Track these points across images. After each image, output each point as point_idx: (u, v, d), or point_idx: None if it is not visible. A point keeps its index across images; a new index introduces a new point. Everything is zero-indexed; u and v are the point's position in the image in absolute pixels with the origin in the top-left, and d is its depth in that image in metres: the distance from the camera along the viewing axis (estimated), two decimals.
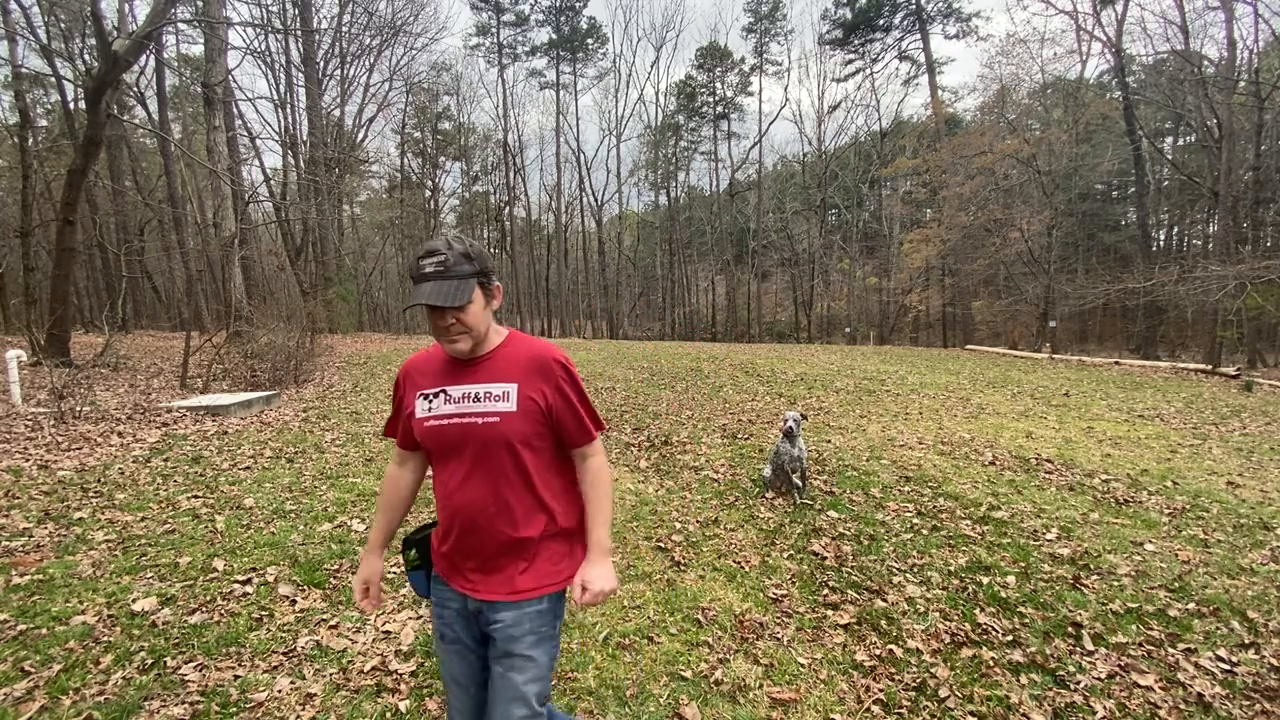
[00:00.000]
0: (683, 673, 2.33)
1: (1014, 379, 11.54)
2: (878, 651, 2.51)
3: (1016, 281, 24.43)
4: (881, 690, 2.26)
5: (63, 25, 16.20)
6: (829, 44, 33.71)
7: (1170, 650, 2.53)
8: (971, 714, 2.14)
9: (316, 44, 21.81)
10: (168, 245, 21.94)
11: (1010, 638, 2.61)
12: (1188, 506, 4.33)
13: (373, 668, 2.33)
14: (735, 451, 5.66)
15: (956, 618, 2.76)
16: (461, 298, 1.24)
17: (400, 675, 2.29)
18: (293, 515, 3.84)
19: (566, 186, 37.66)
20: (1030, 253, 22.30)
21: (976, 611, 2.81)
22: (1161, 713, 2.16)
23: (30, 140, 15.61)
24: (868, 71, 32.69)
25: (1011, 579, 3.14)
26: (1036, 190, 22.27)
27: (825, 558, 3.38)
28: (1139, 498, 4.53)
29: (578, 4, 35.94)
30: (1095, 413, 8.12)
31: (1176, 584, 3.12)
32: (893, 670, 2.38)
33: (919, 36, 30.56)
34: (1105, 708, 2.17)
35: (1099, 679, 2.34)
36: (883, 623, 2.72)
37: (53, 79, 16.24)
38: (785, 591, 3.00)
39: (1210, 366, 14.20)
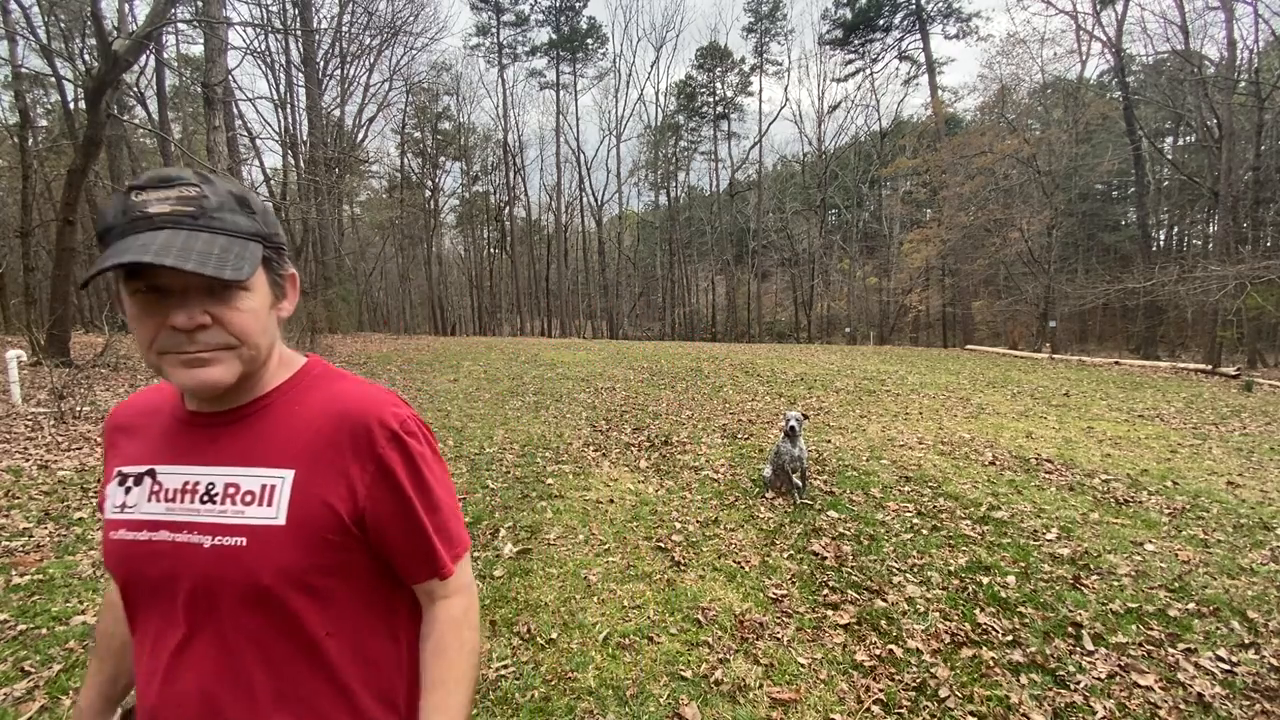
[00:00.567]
0: (683, 673, 2.33)
1: (1014, 379, 11.54)
2: (878, 651, 2.51)
3: (1016, 281, 24.42)
4: (881, 690, 2.26)
5: (63, 25, 16.20)
6: (829, 44, 33.73)
7: (1170, 650, 2.53)
8: (971, 714, 2.14)
9: (316, 44, 21.81)
10: None
11: (1010, 638, 2.61)
12: (1188, 506, 4.33)
13: None
14: (735, 451, 5.66)
15: (956, 618, 2.76)
16: (238, 268, 0.66)
17: None
18: None
19: (566, 186, 37.68)
20: (1030, 253, 22.30)
21: (976, 611, 2.81)
22: (1161, 713, 2.16)
23: (30, 140, 15.61)
24: (868, 71, 32.71)
25: (1011, 579, 3.14)
26: (1036, 190, 22.26)
27: (825, 558, 3.38)
28: (1139, 498, 4.53)
29: (578, 4, 35.94)
30: (1095, 413, 8.11)
31: (1176, 584, 3.12)
32: (893, 670, 2.38)
33: (919, 36, 30.58)
34: (1105, 708, 2.17)
35: (1099, 679, 2.34)
36: (883, 623, 2.71)
37: (53, 79, 16.23)
38: (785, 591, 3.00)
39: (1210, 366, 14.20)
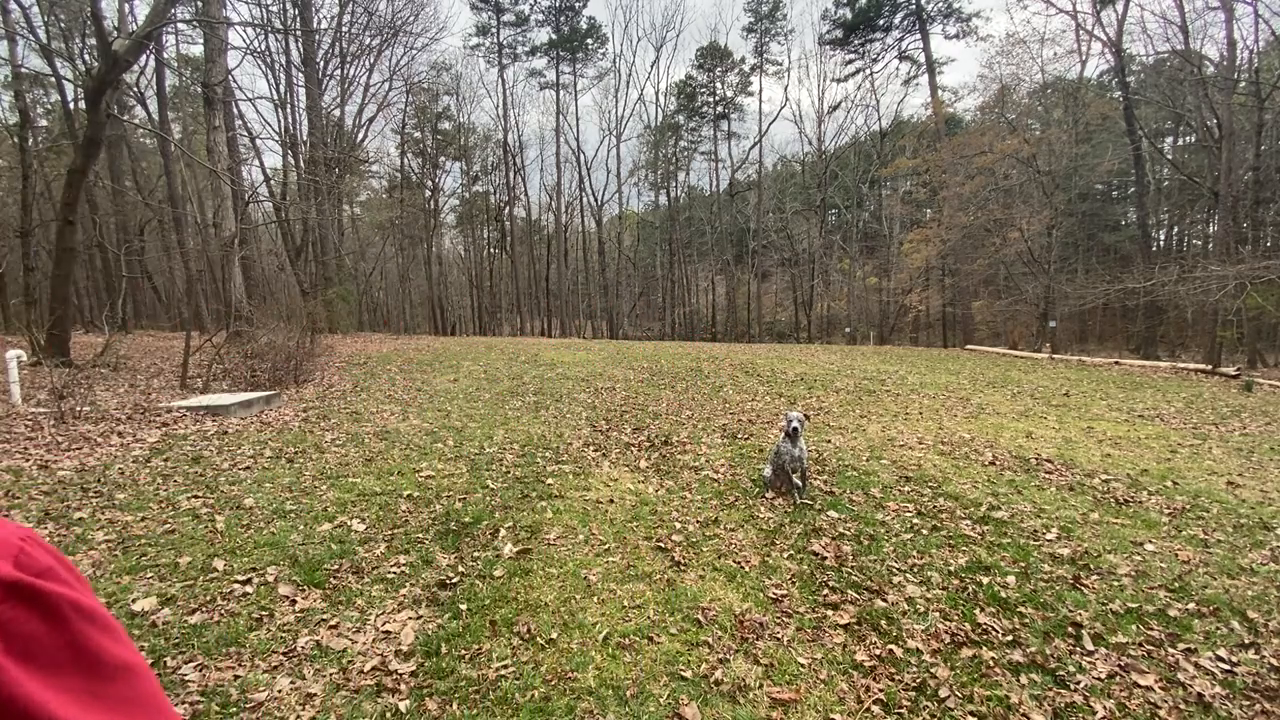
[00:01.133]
0: (683, 673, 2.33)
1: (1014, 379, 11.54)
2: (878, 651, 2.51)
3: (1016, 281, 24.42)
4: (881, 690, 2.26)
5: (63, 25, 16.21)
6: (829, 44, 33.74)
7: (1170, 650, 2.53)
8: (971, 714, 2.14)
9: (316, 44, 21.81)
10: (168, 245, 21.95)
11: (1010, 638, 2.61)
12: (1188, 506, 4.33)
13: (373, 668, 2.33)
14: (735, 451, 5.66)
15: (956, 618, 2.76)
16: None
17: (400, 675, 2.29)
18: (292, 515, 3.84)
19: (566, 186, 37.68)
20: (1030, 253, 22.30)
21: (976, 611, 2.81)
22: (1161, 713, 2.16)
23: (30, 140, 15.61)
24: (868, 71, 32.71)
25: (1011, 579, 3.14)
26: (1036, 190, 22.26)
27: (825, 558, 3.38)
28: (1139, 498, 4.53)
29: (578, 4, 35.95)
30: (1095, 413, 8.11)
31: (1176, 584, 3.12)
32: (893, 670, 2.38)
33: (919, 36, 30.58)
34: (1105, 708, 2.17)
35: (1099, 679, 2.34)
36: (883, 623, 2.71)
37: (53, 79, 16.24)
38: (785, 591, 3.00)
39: (1210, 366, 14.20)
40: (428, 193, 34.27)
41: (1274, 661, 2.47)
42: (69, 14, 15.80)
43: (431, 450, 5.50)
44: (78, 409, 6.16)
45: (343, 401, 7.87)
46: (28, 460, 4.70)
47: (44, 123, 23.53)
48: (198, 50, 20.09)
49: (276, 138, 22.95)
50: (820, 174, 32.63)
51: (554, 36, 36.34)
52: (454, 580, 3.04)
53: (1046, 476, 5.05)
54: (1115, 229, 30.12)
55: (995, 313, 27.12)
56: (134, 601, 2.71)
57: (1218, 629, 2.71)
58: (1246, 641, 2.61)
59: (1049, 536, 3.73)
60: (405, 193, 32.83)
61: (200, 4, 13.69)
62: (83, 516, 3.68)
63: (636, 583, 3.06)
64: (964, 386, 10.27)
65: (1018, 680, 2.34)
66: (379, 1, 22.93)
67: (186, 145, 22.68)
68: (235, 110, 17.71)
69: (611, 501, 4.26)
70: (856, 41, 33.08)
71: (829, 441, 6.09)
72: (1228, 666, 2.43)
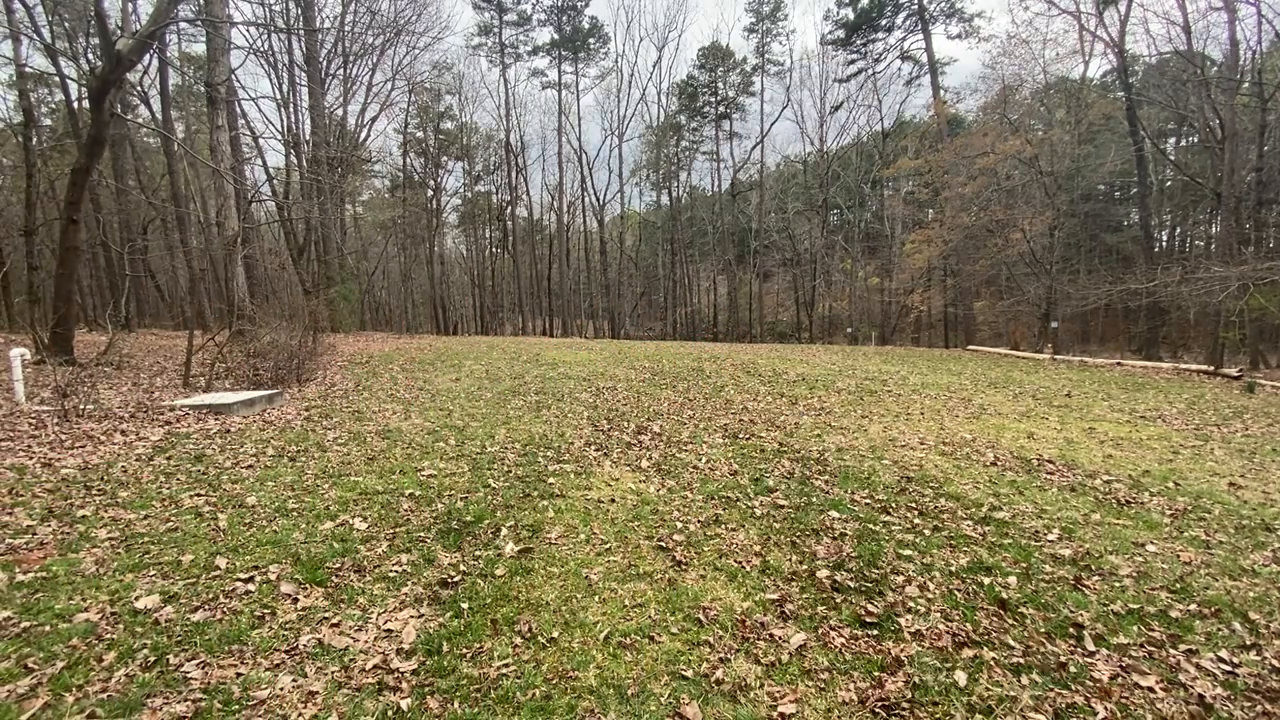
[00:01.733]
0: (684, 672, 2.34)
1: (1016, 379, 11.53)
2: (879, 652, 2.51)
3: (1018, 282, 24.39)
4: (882, 690, 2.26)
5: (66, 24, 16.24)
6: (831, 44, 33.72)
7: (1172, 651, 2.53)
8: (973, 714, 2.14)
9: (319, 43, 21.84)
10: (171, 244, 21.99)
11: (1011, 638, 2.61)
12: (1189, 508, 4.32)
13: (374, 666, 2.33)
14: (736, 451, 5.66)
15: (958, 618, 2.76)
16: None
17: (402, 673, 2.29)
18: (295, 514, 3.85)
19: (568, 186, 37.70)
20: (1032, 253, 22.27)
21: (977, 612, 2.81)
22: (1163, 714, 2.16)
23: (34, 139, 15.65)
24: (870, 72, 32.67)
25: (1013, 579, 3.14)
26: (1039, 191, 22.22)
27: (826, 558, 3.38)
28: (1141, 499, 4.52)
29: (580, 4, 35.97)
30: (1097, 414, 8.10)
31: (1178, 585, 3.12)
32: (893, 670, 2.38)
33: (921, 37, 30.54)
34: (1106, 708, 2.17)
35: (1100, 680, 2.34)
36: (884, 623, 2.72)
37: (56, 78, 16.25)
38: (786, 591, 3.00)
39: (1212, 367, 14.17)
40: (430, 192, 34.30)
41: (1275, 663, 2.46)
42: (73, 13, 15.84)
43: (433, 449, 5.51)
44: (81, 407, 6.18)
45: (345, 400, 7.89)
46: (31, 458, 4.72)
47: (48, 122, 23.59)
48: (201, 49, 20.16)
49: (279, 137, 23.02)
50: (822, 174, 32.61)
51: (556, 36, 36.36)
52: (455, 579, 3.04)
53: (1048, 477, 5.04)
54: (1117, 230, 30.06)
55: (997, 313, 27.08)
56: (137, 599, 2.72)
57: (1219, 630, 2.71)
58: (1248, 643, 2.61)
59: (1050, 537, 3.73)
60: (407, 192, 32.87)
61: (203, 3, 13.72)
62: (86, 514, 3.70)
63: (638, 582, 3.07)
64: (966, 387, 10.26)
65: (1019, 681, 2.34)
66: (382, 1, 22.98)
67: (190, 144, 22.73)
68: (238, 109, 17.76)
69: (613, 501, 4.26)
70: (858, 42, 33.06)
71: (830, 441, 6.09)
72: (1229, 668, 2.42)
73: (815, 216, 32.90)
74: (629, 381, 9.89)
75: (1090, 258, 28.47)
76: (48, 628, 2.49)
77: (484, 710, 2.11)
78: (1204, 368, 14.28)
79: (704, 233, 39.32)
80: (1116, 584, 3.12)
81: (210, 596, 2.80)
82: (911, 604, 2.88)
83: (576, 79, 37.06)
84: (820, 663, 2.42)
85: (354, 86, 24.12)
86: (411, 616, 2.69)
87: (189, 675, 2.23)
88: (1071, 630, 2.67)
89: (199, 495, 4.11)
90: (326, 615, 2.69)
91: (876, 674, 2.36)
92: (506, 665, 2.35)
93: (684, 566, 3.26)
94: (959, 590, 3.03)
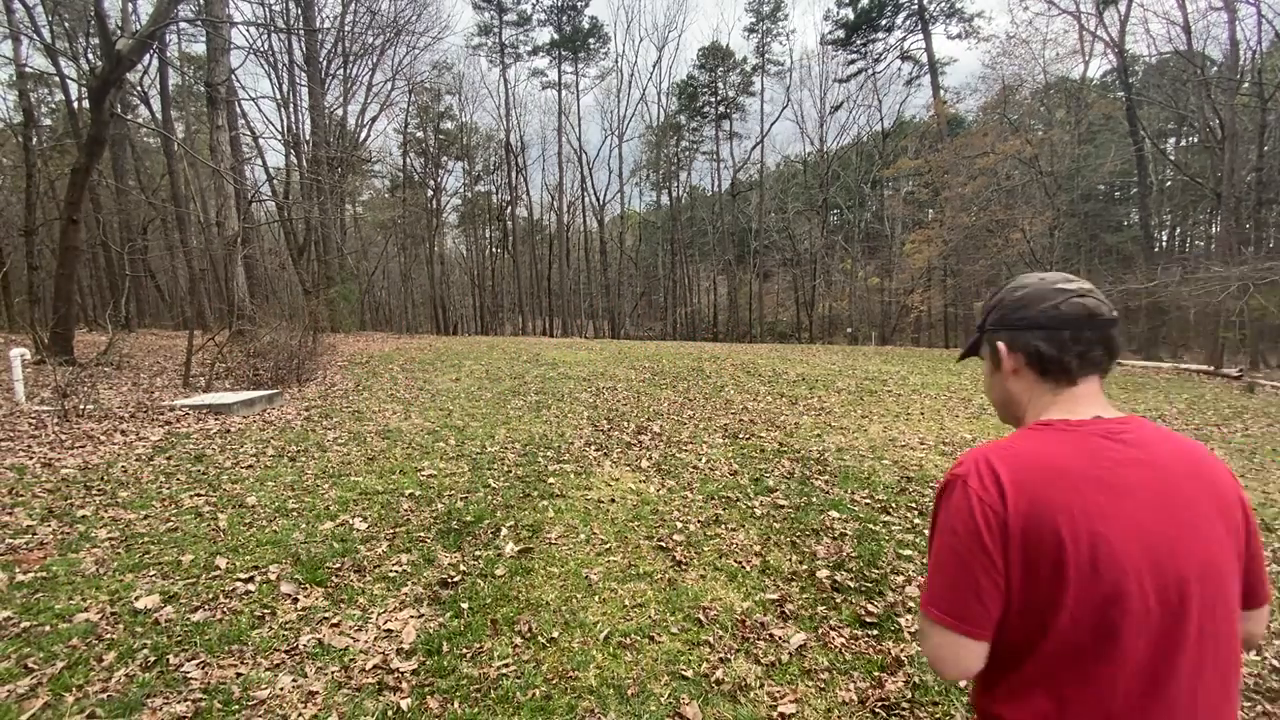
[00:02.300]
0: (684, 672, 2.34)
1: None
2: (879, 652, 2.51)
3: None
4: (883, 690, 2.26)
5: (66, 24, 16.25)
6: (831, 44, 33.72)
7: None
8: (972, 714, 2.14)
9: (319, 43, 21.85)
10: (171, 244, 22.01)
11: None
12: None
13: (374, 666, 2.33)
14: (736, 451, 5.66)
15: None
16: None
17: (402, 673, 2.29)
18: (295, 514, 3.85)
19: (568, 186, 37.72)
20: (1032, 253, 22.27)
21: None
22: None
23: (34, 139, 15.65)
24: (870, 72, 32.67)
25: None
26: (1039, 191, 22.23)
27: (826, 558, 3.38)
28: None
29: (580, 4, 35.98)
30: None
31: None
32: (894, 670, 2.38)
33: (921, 36, 30.55)
34: None
35: None
36: (884, 623, 2.72)
37: (56, 78, 16.26)
38: (786, 591, 3.00)
39: (1213, 368, 14.17)
40: (430, 192, 34.31)
41: (1275, 663, 2.46)
42: (73, 13, 15.84)
43: (433, 449, 5.51)
44: (81, 407, 6.18)
45: (345, 400, 7.89)
46: (31, 458, 4.72)
47: (48, 122, 23.60)
48: (201, 49, 20.16)
49: (279, 137, 23.04)
50: (822, 174, 32.62)
51: (556, 36, 36.37)
52: (455, 579, 3.04)
53: None
54: (1117, 230, 30.05)
55: None
56: (137, 599, 2.72)
57: None
58: None
59: None
60: (407, 192, 32.88)
61: (203, 3, 13.71)
62: (86, 514, 3.70)
63: (638, 582, 3.07)
64: (966, 387, 10.26)
65: None
66: (382, 1, 22.99)
67: (189, 144, 22.73)
68: (238, 109, 17.76)
69: (613, 501, 4.26)
70: (858, 42, 33.06)
71: (830, 441, 6.09)
72: None
73: (815, 216, 32.91)
74: (629, 381, 9.89)
75: (1090, 258, 28.43)
76: (48, 628, 2.49)
77: (484, 710, 2.11)
78: (1204, 368, 14.28)
79: (704, 233, 39.33)
80: None
81: (210, 596, 2.80)
82: (912, 604, 2.88)
83: (576, 79, 37.10)
84: (820, 663, 2.42)
85: (354, 86, 24.15)
86: (411, 616, 2.69)
87: (189, 675, 2.23)
88: None
89: (199, 495, 4.12)
90: (326, 615, 2.69)
91: (876, 674, 2.36)
92: (506, 665, 2.35)
93: (684, 566, 3.26)
94: None
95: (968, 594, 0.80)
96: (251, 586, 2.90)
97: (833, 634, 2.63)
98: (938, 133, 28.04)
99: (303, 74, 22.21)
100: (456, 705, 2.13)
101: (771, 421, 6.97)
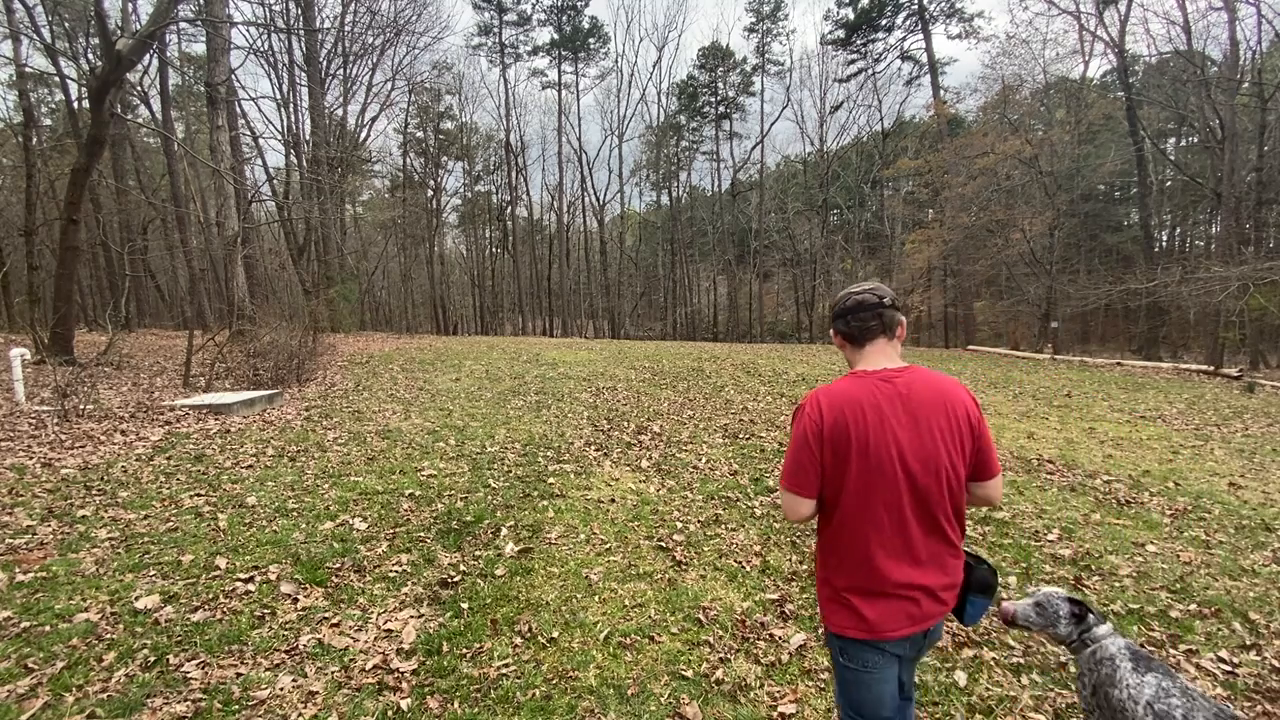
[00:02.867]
0: (684, 672, 2.34)
1: (1015, 379, 11.52)
2: None
3: (1018, 282, 24.38)
4: None
5: (66, 24, 16.25)
6: (831, 44, 33.65)
7: (1172, 651, 2.53)
8: (973, 714, 2.14)
9: (319, 43, 21.83)
10: (171, 244, 21.99)
11: (1011, 638, 2.61)
12: (1189, 508, 4.32)
13: (374, 666, 2.33)
14: (736, 451, 5.66)
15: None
16: None
17: (402, 673, 2.29)
18: (295, 514, 3.85)
19: (568, 186, 37.67)
20: (1032, 253, 22.26)
21: None
22: None
23: (34, 139, 15.65)
24: (870, 71, 32.62)
25: (1013, 580, 3.14)
26: (1039, 191, 22.21)
27: None
28: (1141, 499, 4.52)
29: (580, 4, 35.92)
30: (1097, 414, 8.10)
31: (1178, 585, 3.12)
32: None
33: (921, 36, 30.51)
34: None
35: None
36: None
37: (56, 78, 16.26)
38: (786, 591, 3.00)
39: (1213, 367, 14.17)
40: (430, 192, 34.29)
41: (1275, 663, 2.46)
42: (73, 13, 15.85)
43: (433, 449, 5.51)
44: (81, 407, 6.18)
45: (345, 400, 7.89)
46: (31, 458, 4.72)
47: (48, 122, 23.60)
48: (201, 49, 20.15)
49: (279, 137, 23.04)
50: (822, 174, 32.61)
51: (556, 36, 36.32)
52: (455, 579, 3.04)
53: (1048, 477, 5.04)
54: (1117, 230, 30.04)
55: (997, 313, 27.07)
56: (137, 599, 2.72)
57: (1219, 630, 2.71)
58: (1248, 643, 2.61)
59: (1050, 537, 3.73)
60: (407, 192, 32.85)
61: (203, 3, 13.71)
62: (86, 514, 3.70)
63: (638, 582, 3.07)
64: (965, 387, 10.25)
65: (1019, 681, 2.34)
66: (382, 1, 22.98)
67: (189, 144, 22.74)
68: (238, 109, 17.76)
69: (613, 501, 4.26)
70: (858, 41, 33.01)
71: None
72: (1229, 668, 2.42)
73: (815, 216, 32.89)
74: (629, 381, 9.89)
75: (1090, 258, 28.44)
76: (48, 628, 2.49)
77: (484, 710, 2.11)
78: (1204, 368, 14.27)
79: (704, 233, 39.29)
80: (1116, 584, 3.12)
81: (210, 596, 2.80)
82: None
83: (576, 79, 37.05)
84: (820, 663, 2.42)
85: (354, 86, 24.14)
86: (411, 616, 2.69)
87: (189, 675, 2.23)
88: None
89: (199, 495, 4.12)
90: (326, 615, 2.69)
91: None
92: (506, 665, 2.35)
93: (684, 566, 3.26)
94: None
95: (802, 473, 1.36)
96: (251, 586, 2.90)
97: None
98: (938, 133, 28.01)
99: (303, 74, 22.20)
100: (456, 705, 2.13)
101: (771, 421, 6.97)
